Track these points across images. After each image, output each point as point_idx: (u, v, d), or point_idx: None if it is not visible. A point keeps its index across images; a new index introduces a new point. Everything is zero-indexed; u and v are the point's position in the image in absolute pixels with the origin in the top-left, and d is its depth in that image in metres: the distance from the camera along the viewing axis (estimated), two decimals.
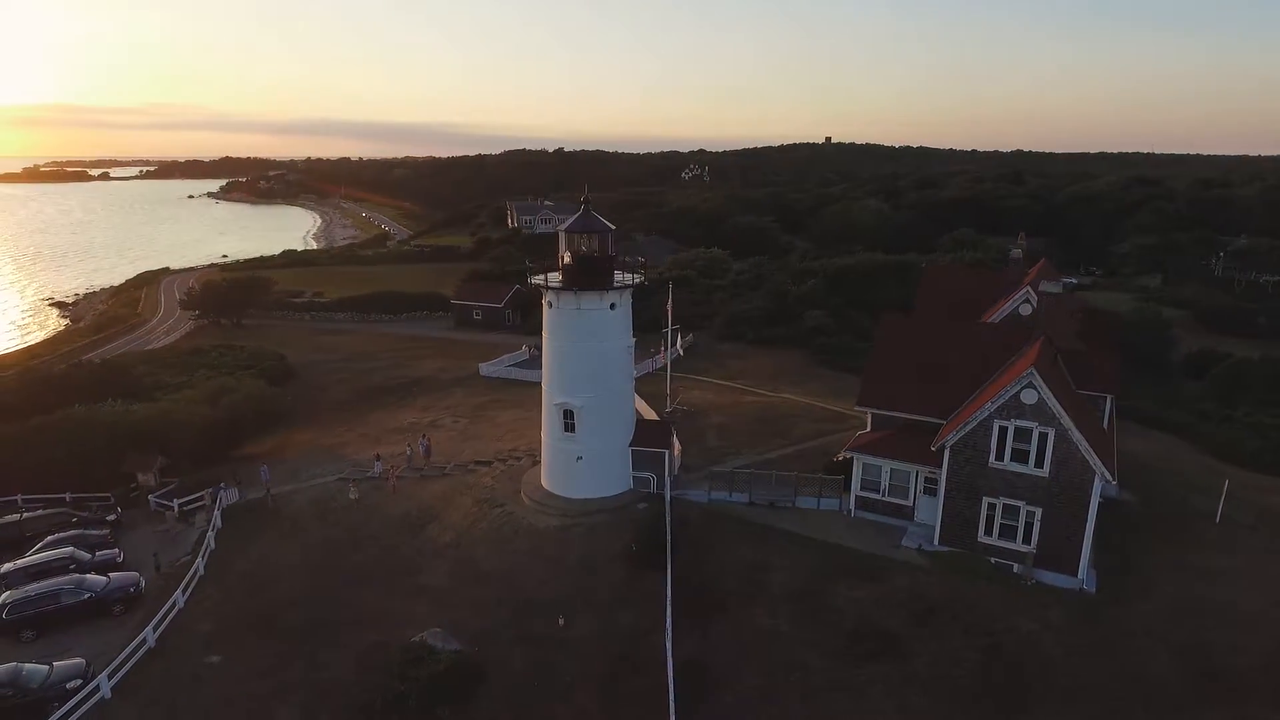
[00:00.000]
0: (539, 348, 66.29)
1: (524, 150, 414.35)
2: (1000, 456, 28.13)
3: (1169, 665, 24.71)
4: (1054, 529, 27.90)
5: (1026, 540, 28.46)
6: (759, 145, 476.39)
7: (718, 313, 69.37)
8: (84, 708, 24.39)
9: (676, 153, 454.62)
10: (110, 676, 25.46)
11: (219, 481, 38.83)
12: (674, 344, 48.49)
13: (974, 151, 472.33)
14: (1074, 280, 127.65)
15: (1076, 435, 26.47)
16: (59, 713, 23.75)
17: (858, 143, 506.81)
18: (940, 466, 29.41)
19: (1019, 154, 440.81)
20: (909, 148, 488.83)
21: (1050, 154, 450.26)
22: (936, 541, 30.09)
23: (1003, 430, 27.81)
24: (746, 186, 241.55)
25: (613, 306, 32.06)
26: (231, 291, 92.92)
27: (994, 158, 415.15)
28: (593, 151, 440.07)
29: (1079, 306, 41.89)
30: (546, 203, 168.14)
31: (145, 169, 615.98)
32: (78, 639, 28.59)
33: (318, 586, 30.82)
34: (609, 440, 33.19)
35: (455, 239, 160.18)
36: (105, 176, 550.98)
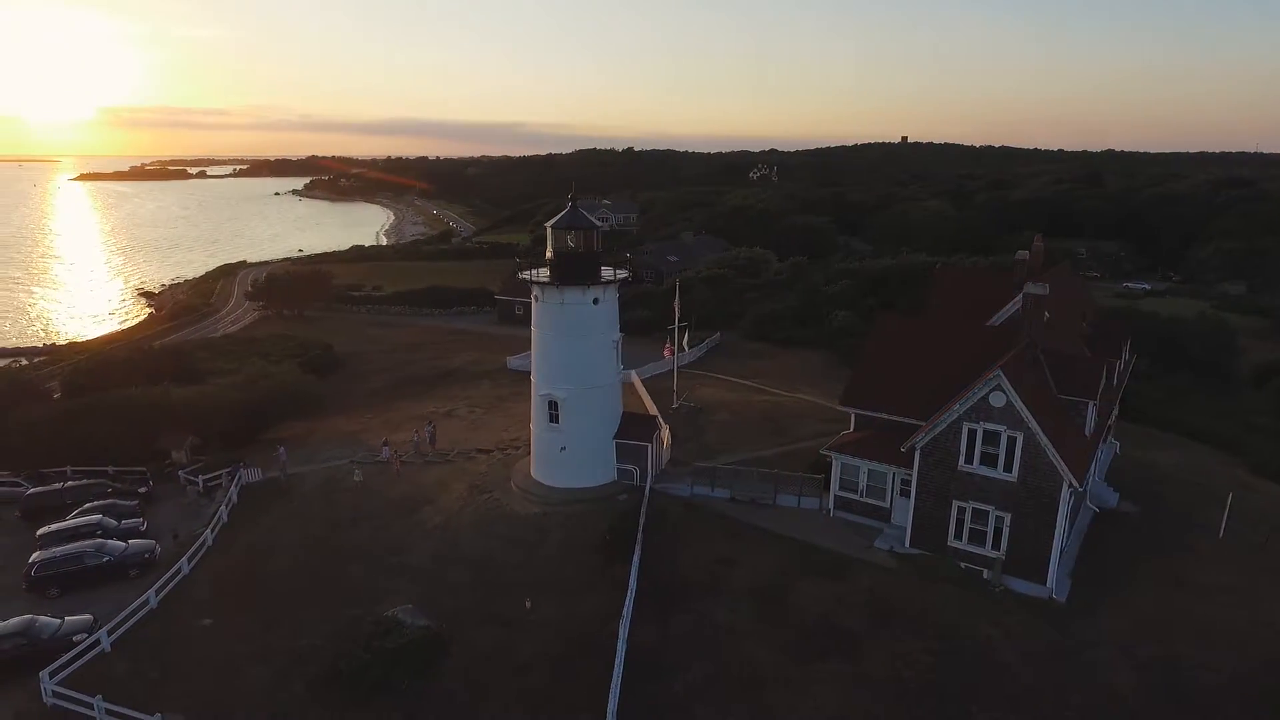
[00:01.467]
0: None
1: (594, 150, 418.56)
2: (969, 460, 27.75)
3: (1128, 678, 24.03)
4: (1023, 535, 27.36)
5: (995, 546, 28.00)
6: (831, 145, 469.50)
7: (748, 312, 69.32)
8: (84, 659, 26.67)
9: (747, 152, 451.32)
10: (111, 633, 27.76)
11: (240, 460, 41.38)
12: (681, 341, 48.87)
13: (1060, 151, 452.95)
14: (1146, 285, 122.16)
15: (1044, 440, 25.92)
16: (61, 660, 26.07)
17: (936, 142, 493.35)
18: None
19: (1110, 154, 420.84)
20: (990, 148, 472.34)
21: (1144, 154, 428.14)
22: (908, 544, 29.85)
23: (972, 433, 27.44)
24: (814, 186, 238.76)
25: (595, 302, 32.88)
26: (293, 284, 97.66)
27: (1081, 158, 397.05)
28: (663, 151, 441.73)
29: (1090, 309, 40.46)
30: (604, 201, 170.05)
31: (238, 168, 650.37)
32: (96, 598, 31.07)
33: (311, 561, 32.70)
34: (592, 432, 34.04)
35: (514, 236, 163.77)
36: (202, 175, 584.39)
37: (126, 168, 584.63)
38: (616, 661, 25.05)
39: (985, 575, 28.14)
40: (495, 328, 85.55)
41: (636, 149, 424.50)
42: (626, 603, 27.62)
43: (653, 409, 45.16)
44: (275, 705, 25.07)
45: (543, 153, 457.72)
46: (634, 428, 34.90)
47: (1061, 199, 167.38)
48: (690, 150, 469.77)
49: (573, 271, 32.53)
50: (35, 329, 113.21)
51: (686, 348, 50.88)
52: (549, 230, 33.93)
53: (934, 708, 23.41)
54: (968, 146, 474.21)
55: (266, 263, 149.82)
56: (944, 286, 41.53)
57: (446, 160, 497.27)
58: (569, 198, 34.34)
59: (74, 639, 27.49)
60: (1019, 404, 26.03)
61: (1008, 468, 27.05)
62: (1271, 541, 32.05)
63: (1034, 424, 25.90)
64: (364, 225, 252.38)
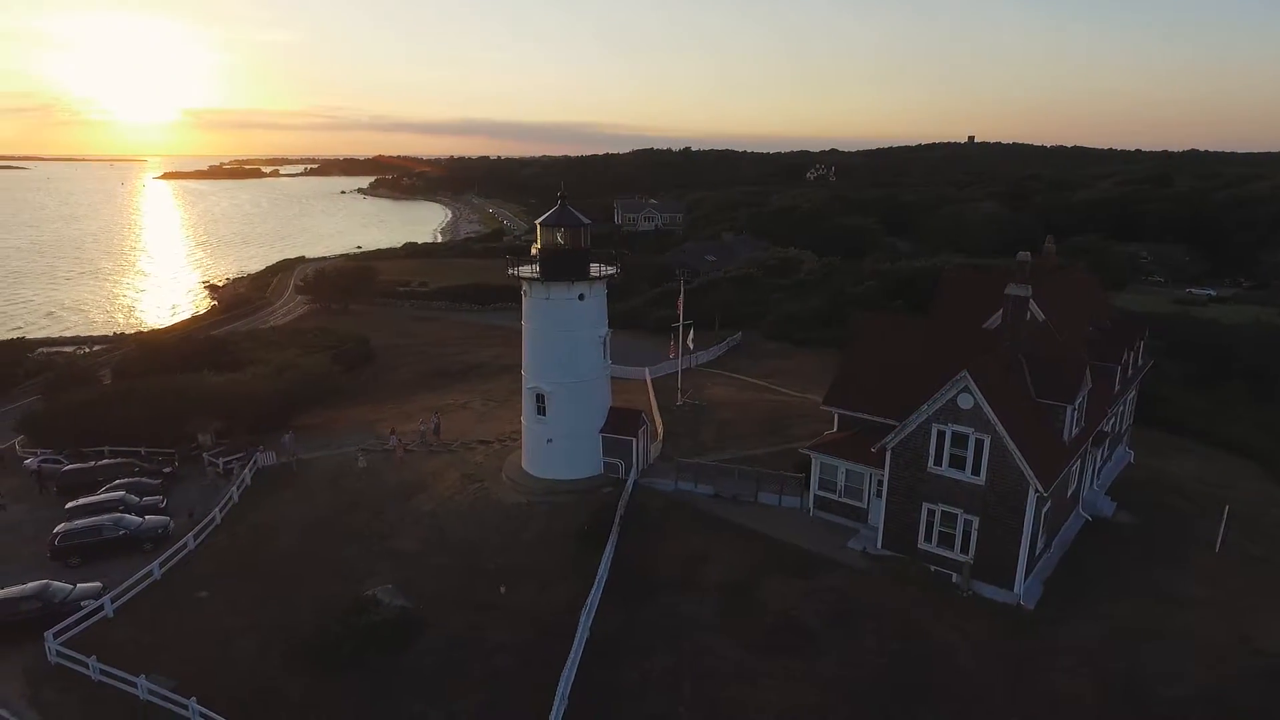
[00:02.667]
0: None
1: (651, 150, 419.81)
2: (938, 461, 27.51)
3: (1085, 687, 23.57)
4: (991, 540, 27.01)
5: (964, 549, 27.70)
6: (894, 145, 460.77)
7: (772, 312, 69.12)
8: (88, 622, 28.70)
9: (807, 152, 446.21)
10: (115, 600, 29.78)
11: (259, 445, 43.49)
12: (686, 339, 49.27)
13: (1138, 151, 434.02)
14: (1211, 291, 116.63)
15: (1010, 443, 25.56)
16: (66, 622, 28.13)
17: (1004, 142, 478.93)
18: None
19: (1192, 154, 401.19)
20: (1062, 148, 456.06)
21: (1230, 154, 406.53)
22: (880, 545, 29.72)
23: (940, 434, 27.21)
24: (870, 187, 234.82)
25: (581, 297, 33.61)
26: (340, 279, 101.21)
27: (1158, 158, 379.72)
28: (722, 151, 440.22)
29: (1103, 312, 39.25)
30: (651, 200, 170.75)
31: (309, 167, 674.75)
32: (111, 567, 33.22)
33: (309, 542, 34.31)
34: (578, 425, 34.79)
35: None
36: (275, 173, 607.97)
37: (205, 167, 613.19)
38: (573, 648, 25.72)
39: (955, 579, 27.85)
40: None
41: (694, 149, 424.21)
42: (593, 592, 28.28)
43: (654, 406, 45.73)
44: (255, 675, 26.51)
45: (601, 152, 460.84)
46: (620, 422, 35.51)
47: (1125, 200, 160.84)
48: (750, 150, 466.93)
49: (559, 268, 33.31)
50: (107, 318, 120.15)
51: (691, 345, 51.13)
52: (538, 227, 34.77)
53: (880, 707, 23.41)
54: (1037, 146, 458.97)
55: (324, 258, 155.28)
56: (951, 287, 40.90)
57: (507, 160, 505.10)
58: (558, 196, 35.13)
59: (82, 604, 29.58)
60: (985, 406, 25.73)
61: (975, 470, 26.74)
62: (1274, 556, 30.84)
63: (1000, 427, 25.57)
64: (422, 223, 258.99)
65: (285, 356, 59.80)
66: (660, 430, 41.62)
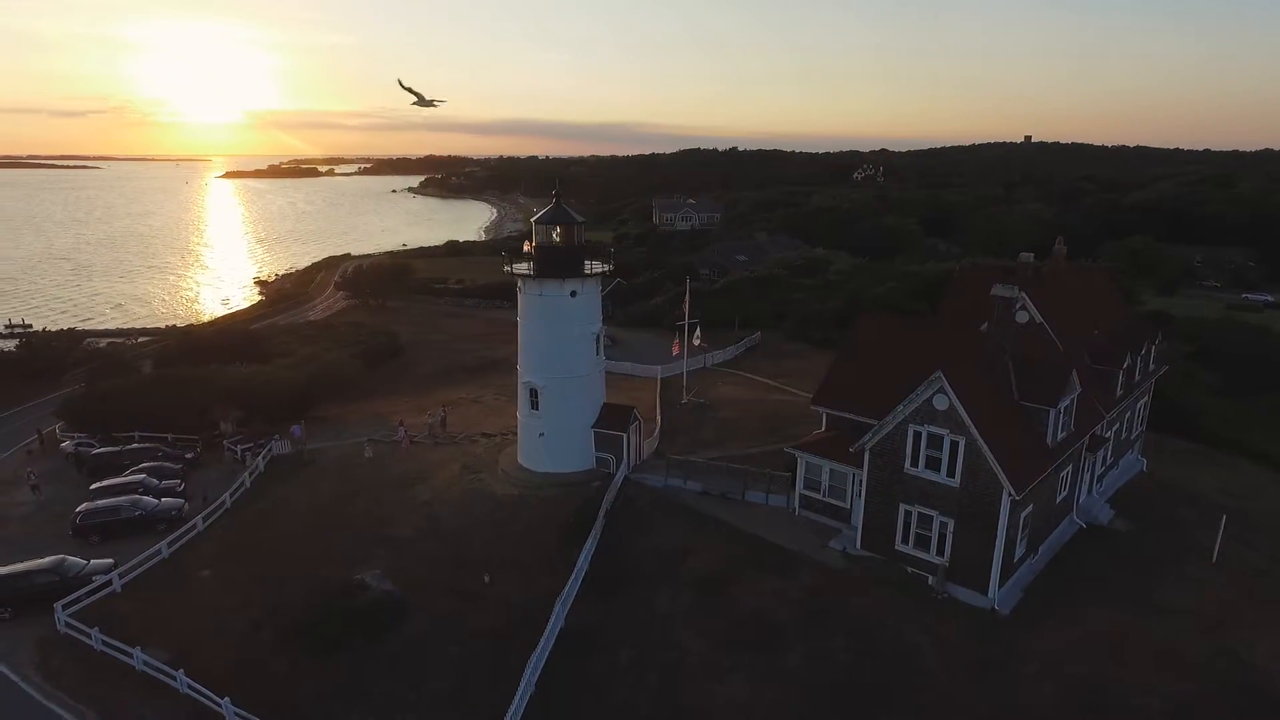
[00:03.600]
0: (610, 337, 69.68)
1: (697, 149, 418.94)
2: (915, 463, 27.34)
3: (1048, 694, 23.24)
4: (966, 543, 26.73)
5: (940, 552, 27.47)
6: (946, 145, 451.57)
7: (793, 313, 68.79)
8: (97, 595, 30.41)
9: (856, 152, 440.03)
10: (123, 576, 31.44)
11: (275, 434, 45.17)
12: (691, 337, 49.53)
13: (1205, 152, 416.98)
14: (1268, 297, 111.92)
15: (983, 445, 25.29)
16: (76, 595, 29.82)
17: (1062, 142, 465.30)
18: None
19: (1267, 153, 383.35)
20: (1124, 148, 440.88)
21: None
22: (859, 546, 29.62)
23: (917, 435, 27.04)
24: (917, 187, 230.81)
25: (573, 294, 34.17)
26: (377, 276, 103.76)
27: (1228, 158, 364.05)
28: (770, 150, 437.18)
29: (1116, 314, 38.23)
30: (689, 200, 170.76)
31: (363, 166, 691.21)
32: (127, 546, 34.96)
33: (309, 526, 35.60)
34: (570, 419, 35.36)
35: (598, 234, 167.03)
36: (330, 173, 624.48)
37: (265, 166, 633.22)
38: (543, 638, 26.31)
39: (930, 581, 27.64)
40: None
41: (741, 148, 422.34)
42: (569, 584, 28.84)
43: (659, 403, 46.11)
44: (244, 650, 27.78)
45: (646, 151, 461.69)
46: (612, 417, 35.97)
47: (1182, 202, 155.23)
48: (798, 150, 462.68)
49: (551, 265, 33.93)
50: (165, 310, 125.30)
51: (697, 343, 51.33)
52: (533, 224, 35.43)
53: (838, 705, 23.47)
54: (1098, 146, 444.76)
55: (368, 255, 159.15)
56: (960, 287, 40.34)
57: (555, 160, 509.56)
58: (553, 194, 35.74)
59: (94, 579, 31.31)
60: (959, 407, 25.51)
61: (951, 472, 26.50)
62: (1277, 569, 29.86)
63: (973, 428, 25.32)
64: (468, 221, 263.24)
65: (310, 350, 61.78)
66: (659, 427, 41.95)
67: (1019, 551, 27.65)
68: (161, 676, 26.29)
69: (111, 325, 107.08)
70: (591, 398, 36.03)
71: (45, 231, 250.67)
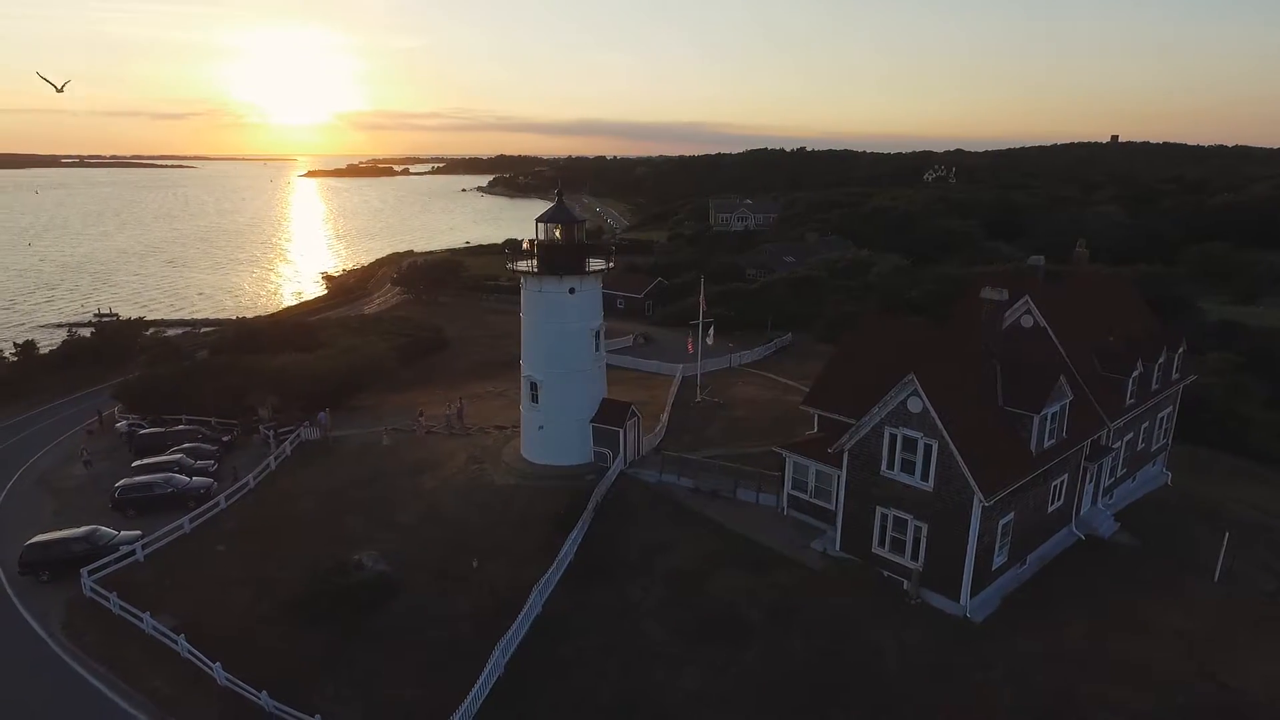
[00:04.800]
0: (645, 336, 70.44)
1: (764, 150, 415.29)
2: (890, 465, 27.15)
3: (1008, 703, 22.89)
4: (939, 548, 26.41)
5: (915, 556, 27.18)
6: (1026, 145, 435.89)
7: (828, 314, 68.10)
8: (121, 564, 32.75)
9: (930, 153, 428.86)
10: (146, 547, 33.76)
11: (305, 420, 47.47)
12: (705, 336, 49.79)
13: None
14: None
15: (953, 450, 24.97)
16: (102, 562, 32.23)
17: (1153, 141, 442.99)
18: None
19: None
20: (1221, 147, 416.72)
21: None
22: (838, 547, 29.53)
23: (893, 438, 26.85)
24: (995, 188, 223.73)
25: (572, 291, 34.97)
26: (430, 272, 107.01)
27: None
28: (839, 151, 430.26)
29: (1136, 323, 36.77)
30: (745, 201, 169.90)
31: (436, 165, 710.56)
32: (159, 519, 37.35)
33: (321, 508, 37.42)
34: (568, 413, 36.19)
35: (654, 234, 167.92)
36: (405, 172, 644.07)
37: (344, 165, 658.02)
38: (516, 622, 27.19)
39: (905, 586, 27.39)
40: None
41: (810, 148, 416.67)
42: (549, 572, 29.66)
43: (670, 401, 46.54)
44: (243, 620, 29.52)
45: (715, 152, 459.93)
46: (610, 413, 36.64)
47: (1272, 205, 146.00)
48: (869, 150, 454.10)
49: (551, 262, 34.82)
50: (236, 302, 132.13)
51: (710, 342, 51.52)
52: (536, 223, 36.38)
53: (791, 703, 23.61)
54: (1192, 146, 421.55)
55: (431, 252, 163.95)
56: (976, 292, 39.59)
57: (621, 159, 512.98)
58: (555, 193, 36.66)
59: (121, 548, 33.73)
60: (931, 410, 25.25)
61: (924, 476, 26.24)
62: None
63: (944, 431, 25.03)
64: (531, 220, 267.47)
65: (351, 342, 64.42)
66: (665, 424, 42.41)
67: (998, 560, 27.12)
68: (166, 640, 28.24)
69: (188, 315, 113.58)
70: (590, 393, 36.79)
71: (142, 226, 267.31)
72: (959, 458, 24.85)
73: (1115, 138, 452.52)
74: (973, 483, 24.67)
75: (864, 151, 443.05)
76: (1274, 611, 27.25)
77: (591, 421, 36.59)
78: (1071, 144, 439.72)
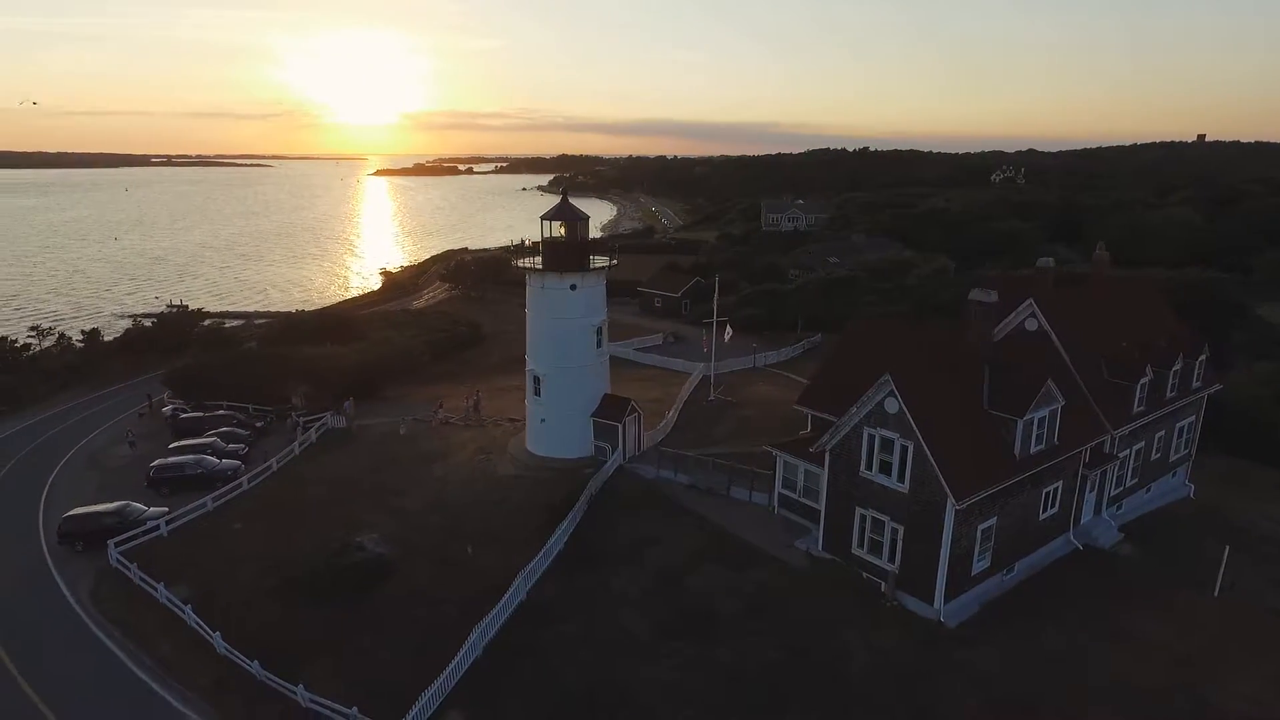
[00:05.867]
0: (675, 335, 70.86)
1: (826, 149, 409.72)
2: (869, 466, 27.02)
3: (969, 711, 22.56)
4: (914, 550, 26.17)
5: (892, 558, 26.99)
6: (1103, 145, 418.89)
7: (860, 316, 67.18)
8: (146, 537, 34.94)
9: (1000, 153, 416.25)
10: (170, 523, 35.90)
11: (332, 409, 49.48)
12: (721, 335, 49.88)
13: None
14: None
15: (927, 452, 24.74)
16: (128, 535, 34.43)
17: (1243, 141, 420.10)
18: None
19: None
20: None
21: None
22: (820, 547, 29.49)
23: (871, 438, 26.72)
24: (1064, 189, 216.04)
25: (573, 287, 35.70)
26: (477, 269, 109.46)
27: None
28: (905, 151, 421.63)
29: (1156, 330, 35.45)
30: (797, 201, 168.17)
31: (500, 165, 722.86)
32: (189, 498, 39.60)
33: (334, 492, 39.05)
34: (569, 407, 36.94)
35: (705, 233, 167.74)
36: (469, 171, 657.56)
37: (411, 165, 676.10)
38: (497, 607, 28.03)
39: (882, 588, 27.22)
40: (633, 317, 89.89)
41: (874, 149, 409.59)
42: (535, 560, 30.41)
43: (681, 399, 46.87)
44: (247, 593, 31.17)
45: (775, 152, 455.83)
46: (610, 408, 37.24)
47: None
48: (936, 150, 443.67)
49: (553, 259, 35.62)
50: (295, 295, 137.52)
51: (727, 340, 51.56)
52: (541, 220, 37.22)
53: (753, 698, 23.76)
54: None
55: (485, 250, 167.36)
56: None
57: (682, 159, 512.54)
58: (561, 191, 37.33)
59: (148, 523, 35.95)
60: (906, 411, 25.07)
61: (901, 477, 26.04)
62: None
63: (918, 432, 24.83)
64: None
65: (385, 335, 66.69)
66: (672, 421, 42.79)
67: (979, 565, 26.72)
68: (176, 610, 30.08)
69: (256, 307, 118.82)
70: (591, 387, 37.47)
71: (221, 221, 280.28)
72: (932, 459, 24.62)
73: (1202, 136, 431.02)
74: (945, 485, 24.40)
75: (929, 152, 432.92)
76: (1273, 629, 26.09)
77: (592, 416, 37.25)
78: (1153, 144, 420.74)
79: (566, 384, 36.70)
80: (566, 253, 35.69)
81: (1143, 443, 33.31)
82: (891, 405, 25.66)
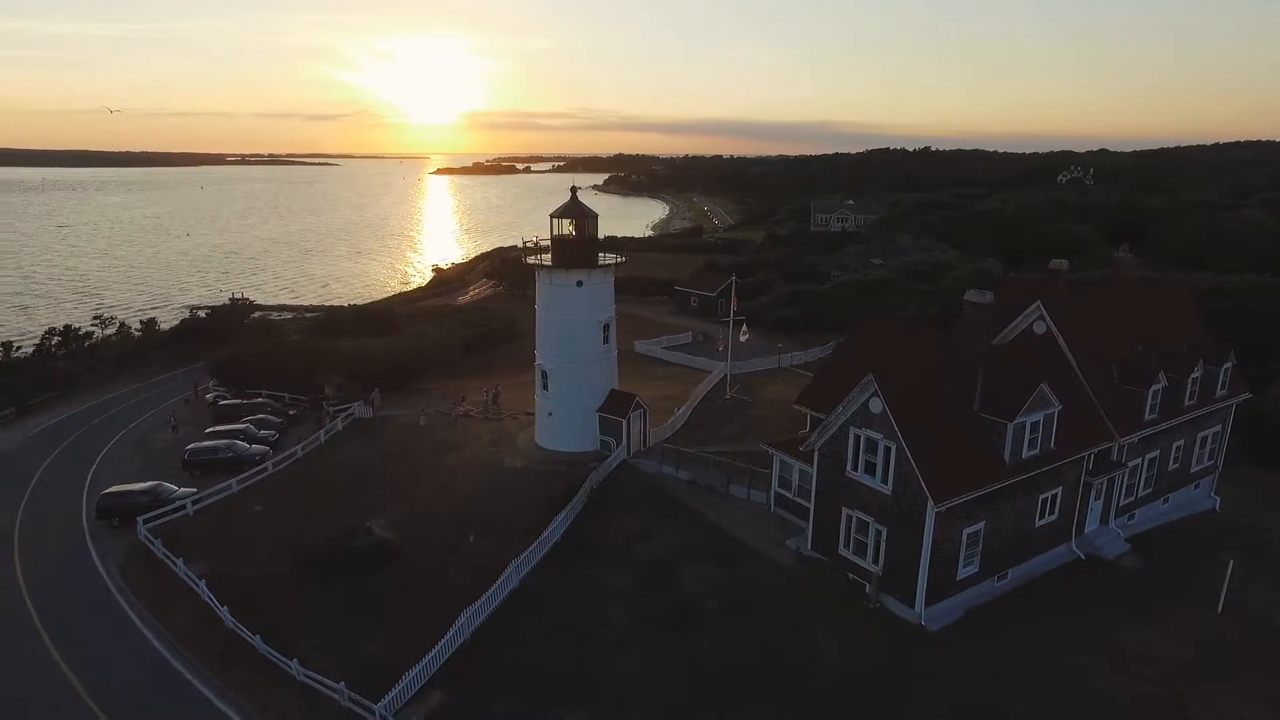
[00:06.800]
0: (704, 334, 70.99)
1: (885, 149, 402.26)
2: (855, 466, 26.90)
3: (937, 716, 22.30)
4: (897, 552, 25.95)
5: (876, 560, 26.80)
6: (1183, 144, 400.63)
7: (892, 318, 66.20)
8: (173, 516, 36.89)
9: (1069, 152, 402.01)
10: (196, 503, 37.82)
11: (360, 399, 51.20)
12: (737, 334, 49.83)
13: None
14: None
15: (908, 454, 24.53)
16: (156, 513, 36.41)
17: None
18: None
19: None
20: None
21: None
22: (809, 547, 29.43)
23: (857, 439, 26.59)
24: (1138, 191, 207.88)
25: (579, 284, 36.28)
26: (519, 267, 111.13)
27: None
28: (968, 150, 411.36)
29: (1176, 334, 34.18)
30: (847, 201, 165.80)
31: (557, 164, 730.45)
32: (220, 480, 41.59)
33: (351, 478, 40.51)
34: (575, 402, 37.56)
35: (752, 233, 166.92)
36: (527, 170, 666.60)
37: (471, 163, 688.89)
38: (487, 594, 28.80)
39: (867, 589, 27.06)
40: (669, 316, 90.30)
41: (934, 148, 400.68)
42: (528, 550, 31.11)
43: (696, 396, 47.06)
44: (259, 570, 32.68)
45: (833, 151, 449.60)
46: (615, 403, 37.73)
47: None
48: (1001, 150, 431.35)
49: (561, 256, 36.29)
50: (348, 289, 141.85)
51: (744, 339, 51.46)
52: (550, 218, 37.90)
53: (722, 692, 23.95)
54: None
55: None
56: (1008, 296, 38.04)
57: (736, 159, 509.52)
58: (570, 188, 37.94)
59: (177, 502, 37.95)
60: (888, 411, 24.90)
61: (884, 478, 25.85)
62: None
63: (899, 433, 24.64)
64: (638, 218, 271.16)
65: (418, 329, 68.51)
66: (684, 417, 43.06)
67: (965, 570, 26.33)
68: (191, 584, 31.74)
69: (314, 301, 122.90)
70: (597, 383, 38.01)
71: (288, 218, 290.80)
72: (912, 461, 24.40)
73: None
74: (924, 487, 24.16)
75: (994, 151, 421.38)
76: (1274, 646, 25.05)
77: (598, 411, 37.80)
78: (1241, 143, 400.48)
79: (573, 379, 37.35)
80: (573, 250, 36.29)
81: (1157, 451, 32.22)
82: (875, 405, 25.51)
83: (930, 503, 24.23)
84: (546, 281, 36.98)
